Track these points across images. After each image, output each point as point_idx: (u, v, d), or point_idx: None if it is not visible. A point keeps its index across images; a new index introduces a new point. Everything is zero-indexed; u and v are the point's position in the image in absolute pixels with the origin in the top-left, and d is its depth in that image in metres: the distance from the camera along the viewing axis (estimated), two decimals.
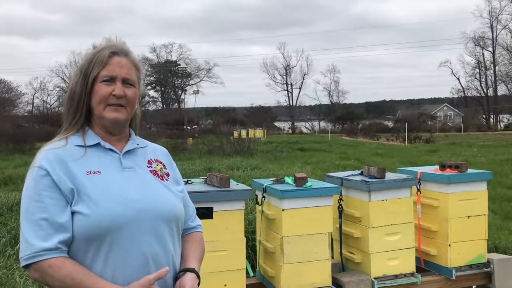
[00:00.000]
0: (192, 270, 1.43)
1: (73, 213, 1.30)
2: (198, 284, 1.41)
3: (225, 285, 3.01)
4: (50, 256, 1.25)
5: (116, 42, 1.48)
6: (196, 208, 2.89)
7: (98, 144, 1.41)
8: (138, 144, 1.50)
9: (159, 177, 1.46)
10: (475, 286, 3.94)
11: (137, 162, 1.45)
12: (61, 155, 1.35)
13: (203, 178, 3.37)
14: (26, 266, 1.28)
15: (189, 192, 2.92)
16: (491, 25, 57.93)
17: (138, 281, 1.26)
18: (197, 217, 1.65)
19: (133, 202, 1.34)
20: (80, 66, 1.45)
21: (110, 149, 1.42)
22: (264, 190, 3.34)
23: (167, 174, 1.51)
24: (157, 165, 1.49)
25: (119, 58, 1.42)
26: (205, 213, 2.91)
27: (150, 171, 1.46)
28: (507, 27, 57.41)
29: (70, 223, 1.29)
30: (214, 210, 2.95)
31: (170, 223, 1.41)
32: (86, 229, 1.28)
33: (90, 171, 1.35)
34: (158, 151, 1.56)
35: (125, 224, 1.31)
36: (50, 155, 1.35)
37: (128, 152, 1.44)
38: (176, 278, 1.42)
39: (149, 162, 1.48)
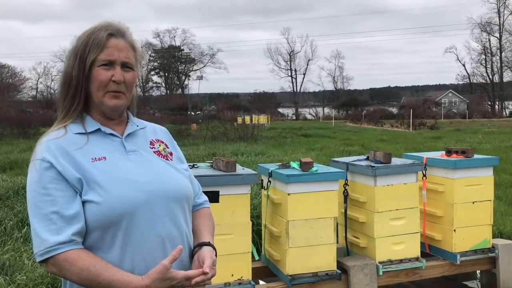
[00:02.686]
0: (207, 244, 1.43)
1: (84, 202, 1.27)
2: (215, 257, 1.42)
3: (232, 275, 3.04)
4: (65, 249, 1.22)
5: (111, 22, 1.40)
6: (203, 192, 2.92)
7: (98, 130, 1.37)
8: (138, 126, 1.46)
9: (163, 157, 1.44)
10: (479, 271, 3.96)
11: (140, 144, 1.42)
12: (62, 144, 1.31)
13: (209, 163, 3.37)
14: (42, 262, 1.25)
15: (195, 176, 2.94)
16: (498, 10, 57.28)
17: (155, 268, 1.23)
18: (203, 193, 1.64)
19: (143, 185, 1.32)
20: (74, 49, 1.36)
21: (111, 134, 1.38)
22: (270, 174, 3.35)
23: (171, 154, 1.48)
24: (160, 145, 1.47)
25: (116, 40, 1.36)
26: (211, 197, 2.89)
27: (154, 152, 1.43)
28: None
29: (81, 213, 1.26)
30: (220, 194, 2.96)
31: (181, 203, 1.40)
32: (100, 217, 1.26)
33: (95, 158, 1.31)
34: (158, 131, 1.53)
35: (138, 208, 1.29)
36: (51, 145, 1.30)
37: (129, 135, 1.41)
38: (192, 254, 1.42)
39: (151, 143, 1.45)
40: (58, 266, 1.23)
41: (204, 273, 1.29)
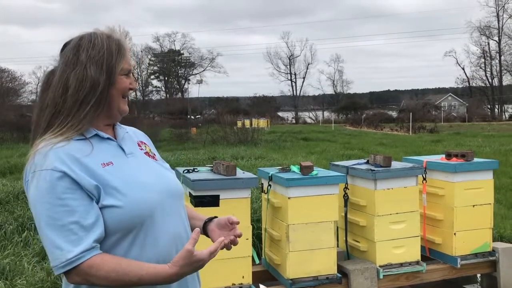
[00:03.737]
0: (212, 218, 1.53)
1: (102, 208, 1.27)
2: None
3: (243, 277, 3.05)
4: (88, 257, 1.21)
5: (112, 28, 1.45)
6: (203, 196, 2.93)
7: (96, 135, 1.38)
8: (124, 129, 1.50)
9: (152, 158, 1.49)
10: (480, 275, 3.96)
11: (132, 146, 1.45)
12: (71, 152, 1.28)
13: (209, 166, 3.38)
14: (64, 273, 1.23)
15: (195, 180, 2.95)
16: (497, 14, 57.37)
17: (179, 254, 1.23)
18: None
19: (152, 186, 1.35)
20: (95, 55, 1.33)
21: (108, 138, 1.40)
22: (270, 178, 3.35)
23: (155, 154, 1.53)
24: (146, 147, 1.51)
25: (127, 49, 1.42)
26: (212, 201, 2.92)
27: (144, 153, 1.47)
28: None
29: (100, 219, 1.25)
30: (220, 198, 2.96)
31: (180, 199, 1.46)
32: (122, 221, 1.27)
33: (104, 163, 1.31)
34: (138, 133, 1.57)
35: (154, 208, 1.33)
36: (60, 154, 1.26)
37: (122, 138, 1.44)
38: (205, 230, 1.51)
39: (138, 144, 1.49)
40: (84, 275, 1.22)
41: (221, 241, 1.31)
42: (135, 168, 1.38)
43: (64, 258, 1.20)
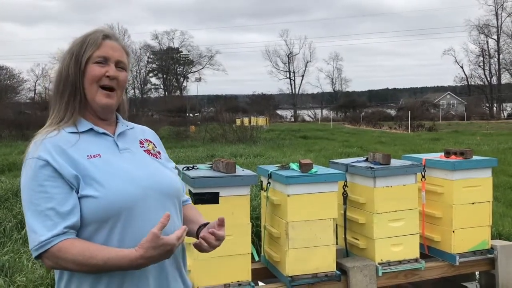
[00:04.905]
0: (208, 223, 1.49)
1: (81, 197, 1.30)
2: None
3: (242, 274, 3.04)
4: (58, 241, 1.25)
5: (106, 28, 1.50)
6: (202, 193, 2.93)
7: (91, 130, 1.41)
8: (127, 126, 1.52)
9: (153, 156, 1.49)
10: (478, 272, 3.97)
11: (130, 143, 1.47)
12: (58, 142, 1.34)
13: (208, 164, 3.38)
14: (39, 257, 1.28)
15: (195, 178, 2.95)
16: (496, 12, 57.38)
17: (145, 238, 1.24)
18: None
19: (139, 181, 1.36)
20: (70, 49, 1.42)
21: (104, 133, 1.43)
22: (270, 176, 3.36)
23: (159, 153, 1.54)
24: (149, 144, 1.52)
25: (111, 41, 1.43)
26: (211, 198, 2.93)
27: (144, 151, 1.48)
28: None
29: (76, 208, 1.29)
30: (220, 195, 2.97)
31: (173, 198, 1.45)
32: (98, 211, 1.29)
33: (91, 155, 1.35)
34: (146, 132, 1.59)
35: (135, 202, 1.33)
36: (46, 144, 1.33)
37: (120, 134, 1.46)
38: (197, 235, 1.47)
39: (140, 142, 1.50)
40: (53, 258, 1.26)
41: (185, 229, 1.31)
42: (124, 162, 1.39)
43: (37, 241, 1.26)
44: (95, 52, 1.39)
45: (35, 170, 1.30)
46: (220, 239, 1.39)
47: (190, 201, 1.70)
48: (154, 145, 1.55)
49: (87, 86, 1.40)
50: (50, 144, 1.33)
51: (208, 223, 1.50)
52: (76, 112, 1.41)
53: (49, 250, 1.25)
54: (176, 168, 1.63)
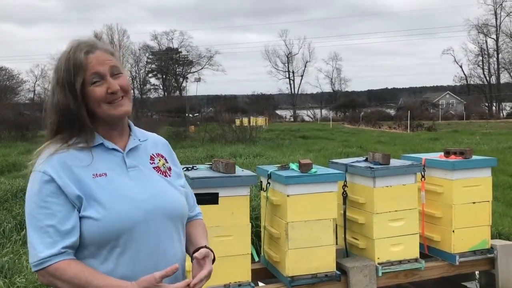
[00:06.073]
0: (203, 247, 1.45)
1: (82, 218, 1.30)
2: (214, 259, 1.44)
3: (241, 274, 3.04)
4: (56, 261, 1.26)
5: (80, 39, 1.38)
6: (202, 194, 2.93)
7: (101, 145, 1.38)
8: (140, 140, 1.47)
9: (162, 173, 1.45)
10: (478, 272, 3.97)
11: (140, 159, 1.43)
12: (66, 159, 1.32)
13: (208, 164, 3.38)
14: (36, 272, 1.30)
15: (195, 178, 2.95)
16: (495, 12, 57.46)
17: (146, 277, 1.25)
18: (196, 204, 1.66)
19: (141, 203, 1.34)
20: (57, 79, 1.35)
21: (113, 149, 1.39)
22: (269, 176, 3.35)
23: (169, 169, 1.49)
24: (159, 160, 1.48)
25: (93, 55, 1.35)
26: (211, 199, 2.92)
27: (154, 168, 1.44)
28: (511, 14, 56.93)
29: (76, 228, 1.29)
30: (219, 195, 2.96)
31: (176, 221, 1.43)
32: (97, 233, 1.29)
33: (97, 174, 1.33)
34: (158, 144, 1.54)
35: (135, 226, 1.32)
36: (54, 159, 1.32)
37: (130, 150, 1.42)
38: (192, 259, 1.44)
39: (151, 157, 1.46)
40: (49, 276, 1.27)
41: (190, 285, 1.30)
42: (128, 183, 1.36)
43: (36, 258, 1.27)
44: (85, 75, 1.33)
45: (40, 184, 1.30)
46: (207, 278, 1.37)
47: (200, 216, 1.64)
48: (165, 160, 1.50)
49: (95, 107, 1.35)
50: (56, 160, 1.32)
51: (202, 247, 1.45)
52: (85, 127, 1.36)
53: (46, 269, 1.26)
54: (186, 180, 1.58)
